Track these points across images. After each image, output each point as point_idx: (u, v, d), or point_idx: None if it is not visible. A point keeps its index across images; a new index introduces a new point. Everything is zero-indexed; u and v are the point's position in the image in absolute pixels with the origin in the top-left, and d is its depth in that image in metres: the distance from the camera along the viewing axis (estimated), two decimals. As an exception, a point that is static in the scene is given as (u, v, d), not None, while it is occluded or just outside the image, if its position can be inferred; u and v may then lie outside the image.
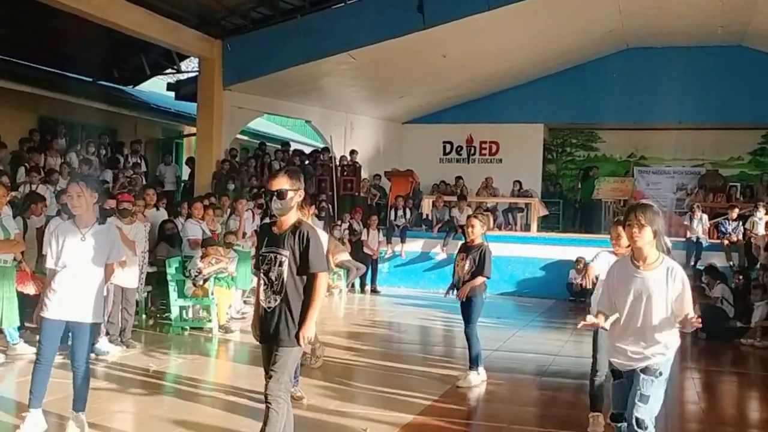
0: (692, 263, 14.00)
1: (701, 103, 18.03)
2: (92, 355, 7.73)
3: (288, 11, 15.20)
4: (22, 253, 8.02)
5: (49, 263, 5.13)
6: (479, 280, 7.09)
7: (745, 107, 17.95)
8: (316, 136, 20.65)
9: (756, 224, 14.10)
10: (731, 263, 14.07)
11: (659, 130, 20.06)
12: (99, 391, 6.59)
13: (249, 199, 13.68)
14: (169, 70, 18.86)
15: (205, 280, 9.85)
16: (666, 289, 4.08)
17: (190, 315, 10.20)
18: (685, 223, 15.05)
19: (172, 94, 18.76)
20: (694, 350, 10.18)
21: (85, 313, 5.06)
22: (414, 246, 16.50)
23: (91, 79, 17.92)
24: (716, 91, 17.89)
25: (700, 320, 3.99)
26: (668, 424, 5.84)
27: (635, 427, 4.10)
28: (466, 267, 7.17)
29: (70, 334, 5.22)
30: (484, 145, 20.87)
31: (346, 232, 15.28)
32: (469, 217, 7.63)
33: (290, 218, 4.37)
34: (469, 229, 7.25)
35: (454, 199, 17.23)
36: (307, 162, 18.51)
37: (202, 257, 9.95)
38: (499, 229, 17.21)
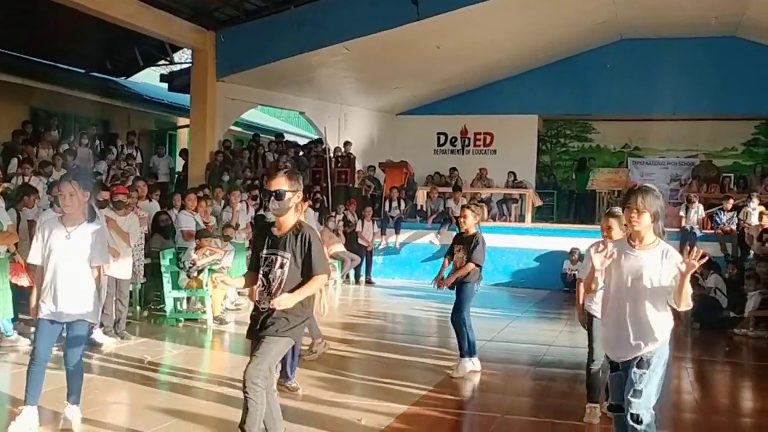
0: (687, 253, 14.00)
1: (695, 93, 18.04)
2: (86, 347, 7.78)
3: (281, 2, 15.12)
4: (16, 244, 8.01)
5: (32, 258, 5.09)
6: (469, 266, 7.09)
7: (739, 98, 17.96)
8: (310, 128, 20.62)
9: (749, 215, 14.16)
10: (725, 253, 14.11)
11: (653, 121, 20.06)
12: (94, 382, 6.59)
13: (243, 190, 13.67)
14: (163, 62, 18.78)
15: (200, 272, 9.84)
16: (660, 270, 4.02)
17: (185, 306, 10.21)
18: (681, 213, 15.09)
19: (165, 85, 18.71)
20: (688, 340, 10.22)
21: (81, 312, 5.02)
22: (408, 237, 16.51)
23: (84, 71, 17.84)
24: (710, 82, 17.90)
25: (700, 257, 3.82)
26: (661, 414, 5.86)
27: (631, 422, 4.08)
28: (462, 258, 7.19)
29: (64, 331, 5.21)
30: (478, 136, 20.87)
31: (341, 223, 15.28)
32: (462, 207, 7.63)
33: (290, 219, 4.36)
34: (462, 220, 7.28)
35: (449, 190, 17.24)
36: (301, 153, 18.50)
37: (196, 249, 9.94)
38: (494, 219, 17.22)
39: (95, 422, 5.34)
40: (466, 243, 7.18)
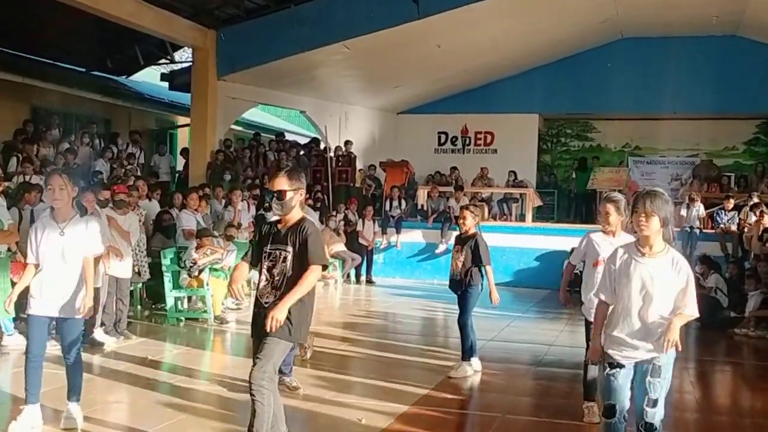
0: (687, 253, 14.02)
1: (696, 93, 18.05)
2: (87, 346, 7.78)
3: (282, 1, 15.13)
4: (17, 243, 8.01)
5: (29, 258, 5.08)
6: (490, 272, 7.13)
7: (740, 97, 17.97)
8: (311, 127, 20.61)
9: (750, 214, 14.12)
10: (725, 253, 14.10)
11: (654, 120, 20.06)
12: (94, 381, 6.61)
13: (244, 190, 13.67)
14: (163, 61, 18.78)
15: (200, 271, 9.84)
16: (669, 280, 3.99)
17: (186, 306, 10.21)
18: (682, 212, 15.07)
19: (166, 84, 18.71)
20: (688, 340, 10.20)
21: (72, 308, 5.01)
22: (409, 237, 16.50)
23: (84, 70, 17.84)
24: (711, 81, 17.89)
25: (675, 346, 3.93)
26: (662, 416, 5.86)
27: (645, 431, 4.05)
28: (461, 259, 7.18)
29: (54, 327, 5.20)
30: (479, 136, 20.87)
31: (341, 222, 15.28)
32: (461, 208, 7.59)
33: (294, 216, 4.38)
34: (461, 221, 7.26)
35: (449, 189, 17.23)
36: (302, 152, 18.49)
37: (196, 248, 9.94)
38: (494, 219, 17.23)
39: (96, 421, 5.34)
40: (466, 244, 7.16)
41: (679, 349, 4.00)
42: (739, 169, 19.42)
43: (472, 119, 20.51)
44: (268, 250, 4.40)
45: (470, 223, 7.18)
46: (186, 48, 17.63)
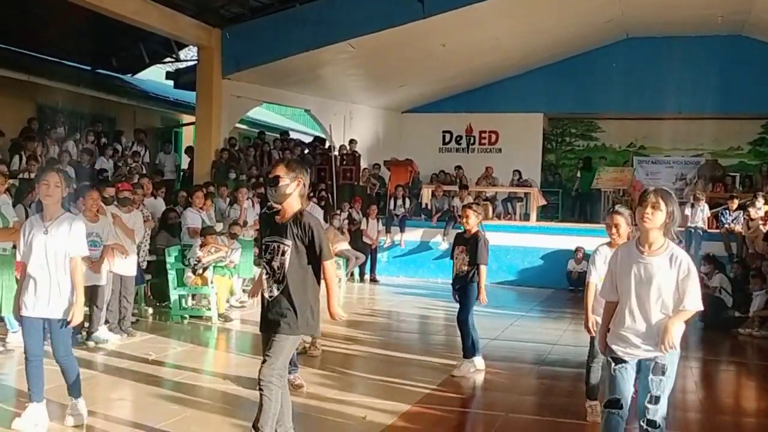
0: (692, 252, 13.99)
1: (701, 92, 17.99)
2: (91, 344, 7.82)
3: (287, 0, 15.14)
4: (22, 241, 8.02)
5: (18, 257, 5.09)
6: (483, 271, 7.02)
7: (745, 97, 17.94)
8: (316, 126, 20.63)
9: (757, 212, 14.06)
10: (730, 253, 14.06)
11: (659, 120, 20.02)
12: (98, 378, 6.64)
13: (249, 188, 13.68)
14: (168, 59, 18.81)
15: (205, 269, 9.86)
16: (670, 276, 3.99)
17: (190, 303, 10.23)
18: (686, 212, 15.04)
19: (171, 82, 18.73)
20: (692, 339, 10.19)
21: (57, 308, 4.96)
22: (413, 235, 16.50)
23: (90, 68, 17.88)
24: (716, 81, 17.84)
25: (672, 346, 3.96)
26: (666, 414, 5.85)
27: (647, 428, 4.06)
28: (466, 258, 7.16)
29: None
30: (483, 135, 20.86)
31: (346, 221, 15.28)
32: (463, 207, 7.53)
33: (292, 207, 4.37)
34: (464, 220, 7.22)
35: (454, 188, 17.22)
36: (306, 151, 18.51)
37: (201, 246, 9.95)
38: (499, 218, 17.23)
39: (100, 418, 5.36)
40: (468, 244, 7.12)
41: (676, 348, 4.01)
42: (744, 169, 19.39)
43: (477, 118, 20.50)
44: (266, 242, 4.41)
45: (473, 221, 7.14)
46: (191, 46, 17.66)
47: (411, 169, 18.10)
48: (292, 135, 20.58)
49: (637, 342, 4.07)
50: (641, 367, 4.10)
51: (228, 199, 12.78)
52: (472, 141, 20.95)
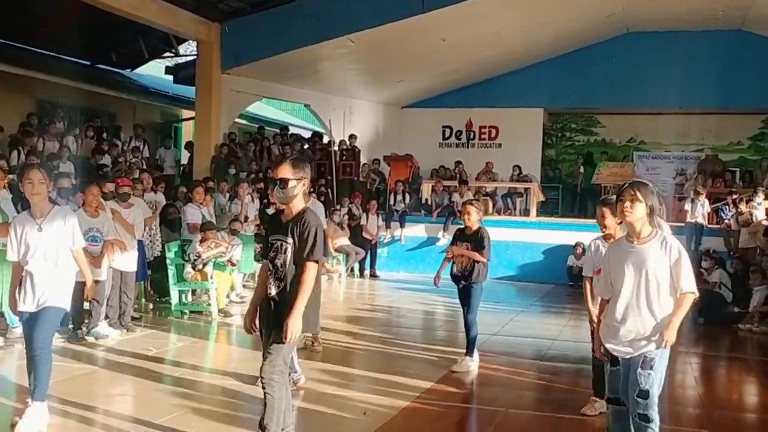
0: (692, 248, 13.99)
1: (701, 87, 17.98)
2: (91, 339, 7.82)
3: (286, -6, 15.12)
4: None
5: (10, 256, 5.01)
6: (476, 255, 6.97)
7: (746, 92, 17.92)
8: (315, 120, 20.61)
9: (754, 209, 14.06)
10: (729, 248, 14.05)
11: (659, 115, 20.04)
12: (98, 373, 6.65)
13: (249, 183, 13.68)
14: (168, 54, 18.80)
15: (204, 264, 9.86)
16: (662, 262, 4.05)
17: (190, 299, 10.24)
18: (686, 207, 15.04)
19: (170, 77, 18.71)
20: (692, 335, 10.20)
21: (50, 299, 4.93)
22: (413, 231, 16.50)
23: (89, 63, 17.85)
24: (716, 76, 17.83)
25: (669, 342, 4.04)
26: (666, 409, 5.86)
27: (639, 421, 4.09)
28: (466, 260, 7.11)
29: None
30: (483, 130, 20.85)
31: (345, 216, 15.28)
32: (465, 203, 7.43)
33: (297, 206, 4.37)
34: (466, 216, 7.15)
35: (454, 183, 17.21)
36: (306, 146, 18.48)
37: (201, 241, 9.95)
38: (498, 213, 17.22)
39: (100, 413, 5.37)
40: (471, 240, 7.06)
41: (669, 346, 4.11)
42: (744, 165, 19.38)
43: (477, 113, 20.49)
44: (270, 241, 4.42)
45: (475, 218, 7.07)
46: (190, 41, 17.63)
47: (411, 164, 18.09)
48: (292, 130, 20.55)
49: (628, 335, 4.11)
50: (632, 362, 4.15)
51: (228, 195, 12.78)
52: (472, 136, 20.94)
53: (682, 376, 7.58)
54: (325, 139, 18.99)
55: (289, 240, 4.31)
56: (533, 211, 17.28)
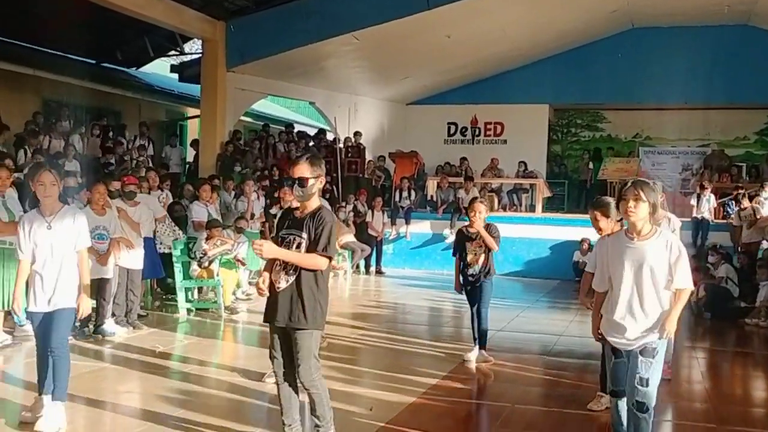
0: (698, 243, 13.96)
1: (707, 82, 17.91)
2: (98, 336, 7.85)
3: (291, -8, 15.11)
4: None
5: (19, 254, 5.02)
6: (494, 245, 7.09)
7: (752, 87, 17.85)
8: (320, 118, 20.62)
9: (762, 204, 14.02)
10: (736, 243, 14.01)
11: (665, 110, 19.97)
12: (106, 371, 6.67)
13: (254, 181, 13.71)
14: (173, 52, 18.81)
15: (210, 262, 9.88)
16: (662, 259, 4.12)
17: (196, 296, 10.26)
18: (692, 202, 15.00)
19: (175, 76, 18.72)
20: (699, 330, 10.19)
21: (62, 300, 4.95)
22: (418, 227, 16.49)
23: (94, 62, 17.89)
24: (722, 71, 17.78)
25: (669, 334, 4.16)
26: (673, 404, 5.86)
27: (636, 410, 4.12)
28: (480, 252, 7.15)
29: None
30: (488, 126, 20.82)
31: (351, 213, 15.29)
32: (473, 201, 7.44)
33: (313, 203, 4.41)
34: (477, 214, 7.12)
35: (459, 180, 17.20)
36: (311, 143, 18.50)
37: (206, 239, 9.97)
38: (504, 210, 17.20)
39: (108, 407, 5.39)
40: (479, 237, 7.13)
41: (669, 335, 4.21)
42: (751, 159, 19.32)
43: (482, 110, 20.46)
44: (282, 235, 4.44)
45: (484, 216, 7.16)
46: (196, 39, 17.65)
47: (416, 161, 18.08)
48: (297, 127, 20.56)
49: (630, 328, 4.17)
50: (631, 355, 4.21)
51: (233, 192, 12.80)
52: (477, 132, 20.92)
53: (688, 370, 7.57)
54: (330, 137, 19.00)
55: (303, 235, 4.33)
56: (539, 207, 17.26)
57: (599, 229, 5.39)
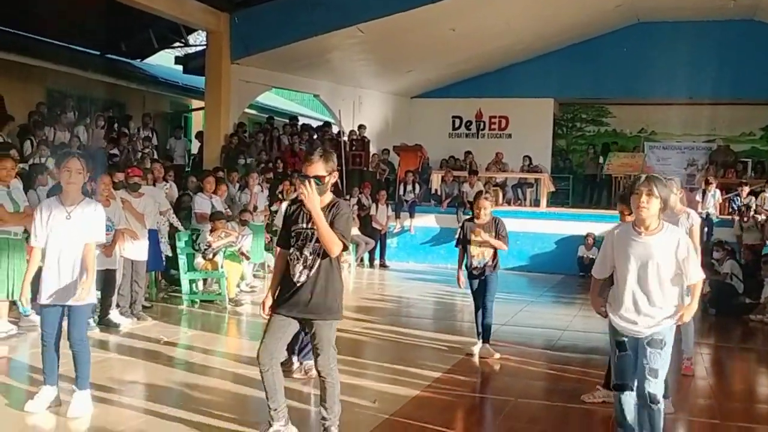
0: (703, 238, 13.91)
1: (713, 77, 17.84)
2: (103, 327, 7.86)
3: (296, -16, 15.07)
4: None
5: (33, 241, 4.98)
6: (499, 244, 7.12)
7: (757, 82, 17.78)
8: (325, 111, 20.60)
9: (767, 200, 14.00)
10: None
11: (670, 105, 19.92)
12: (110, 361, 6.69)
13: (259, 173, 13.71)
14: (177, 44, 18.79)
15: (215, 254, 9.88)
16: (669, 254, 4.13)
17: (200, 288, 10.27)
18: (697, 198, 14.96)
19: (180, 67, 18.70)
20: (703, 326, 10.16)
21: (80, 294, 4.90)
22: (423, 221, 16.48)
23: (99, 53, 17.87)
24: (728, 66, 17.72)
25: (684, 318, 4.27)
26: (677, 400, 5.85)
27: (649, 402, 4.12)
28: (487, 252, 7.15)
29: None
30: (493, 120, 20.80)
31: (355, 207, 15.28)
32: (478, 196, 7.43)
33: (326, 198, 4.44)
34: (482, 210, 7.14)
35: (463, 174, 17.18)
36: (315, 136, 18.48)
37: (211, 231, 9.98)
38: (509, 204, 17.18)
39: (112, 400, 5.39)
40: (491, 231, 7.14)
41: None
42: (756, 155, 19.29)
43: (487, 103, 20.43)
44: (296, 230, 4.44)
45: (490, 212, 7.17)
46: (200, 31, 17.62)
47: (420, 154, 18.06)
48: (301, 120, 20.55)
49: (638, 319, 4.20)
50: (639, 344, 4.23)
51: (238, 185, 12.79)
52: (482, 126, 20.89)
53: (693, 366, 7.55)
54: (335, 129, 18.99)
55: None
56: (543, 201, 17.23)
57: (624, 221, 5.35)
